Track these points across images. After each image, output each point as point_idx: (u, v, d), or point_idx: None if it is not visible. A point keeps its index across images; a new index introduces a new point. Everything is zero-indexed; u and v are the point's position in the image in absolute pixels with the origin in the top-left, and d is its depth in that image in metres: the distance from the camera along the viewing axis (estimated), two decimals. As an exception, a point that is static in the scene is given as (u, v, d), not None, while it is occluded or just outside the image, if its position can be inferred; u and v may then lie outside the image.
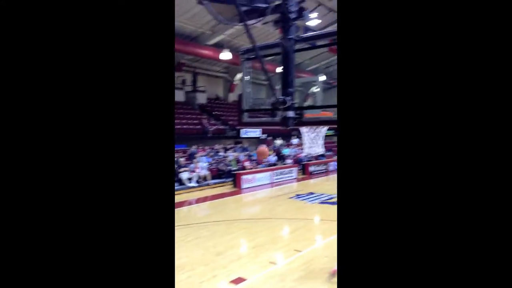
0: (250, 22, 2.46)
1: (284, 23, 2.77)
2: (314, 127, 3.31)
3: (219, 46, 14.59)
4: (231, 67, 18.04)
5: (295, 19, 2.79)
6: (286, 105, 2.76)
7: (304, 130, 3.46)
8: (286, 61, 2.85)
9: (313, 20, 13.91)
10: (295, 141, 18.80)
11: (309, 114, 3.04)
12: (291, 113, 2.80)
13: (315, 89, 3.11)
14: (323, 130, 3.38)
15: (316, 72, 18.32)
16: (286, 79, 2.83)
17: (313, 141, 3.48)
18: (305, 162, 16.31)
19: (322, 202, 9.90)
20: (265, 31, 11.24)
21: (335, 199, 10.11)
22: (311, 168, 16.24)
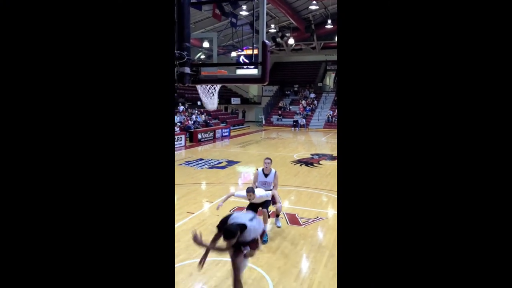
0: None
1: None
2: (208, 85, 3.26)
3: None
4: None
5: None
6: (183, 61, 2.56)
7: (201, 88, 3.38)
8: (181, 14, 2.61)
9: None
10: (181, 108, 18.31)
11: (205, 72, 2.90)
12: (187, 69, 2.62)
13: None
14: (217, 88, 3.38)
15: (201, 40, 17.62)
16: (182, 33, 2.60)
17: (209, 98, 3.42)
18: (193, 130, 16.17)
19: (211, 167, 10.14)
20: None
21: (224, 163, 10.61)
22: (199, 136, 16.20)
